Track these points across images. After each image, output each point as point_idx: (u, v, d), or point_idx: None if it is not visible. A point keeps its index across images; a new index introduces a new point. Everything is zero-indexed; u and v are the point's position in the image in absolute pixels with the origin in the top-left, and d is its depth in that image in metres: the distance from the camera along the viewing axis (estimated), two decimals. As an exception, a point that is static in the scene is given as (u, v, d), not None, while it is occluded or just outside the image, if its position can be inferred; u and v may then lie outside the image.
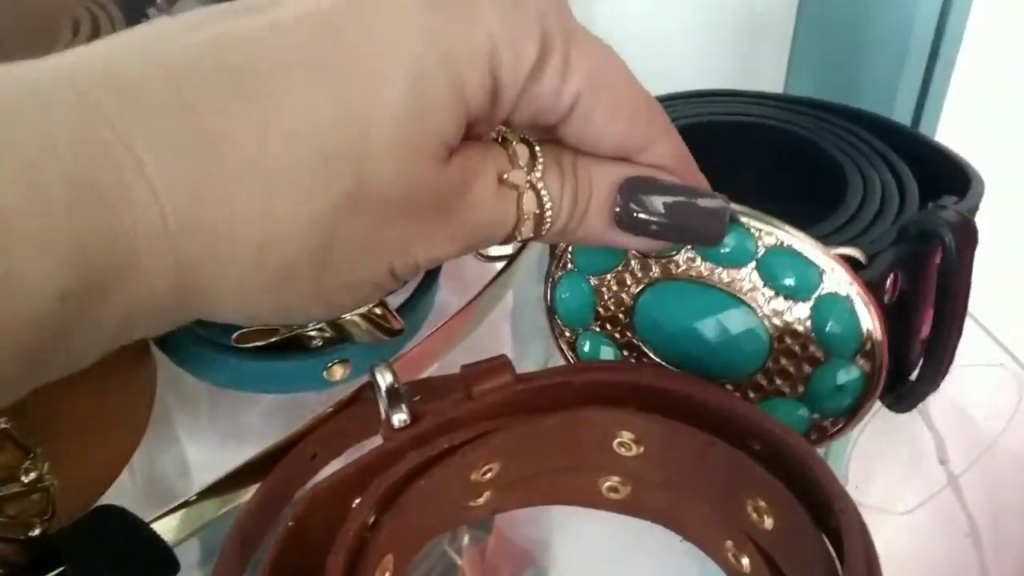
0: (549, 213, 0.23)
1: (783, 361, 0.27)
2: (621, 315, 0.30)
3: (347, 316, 0.33)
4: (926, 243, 0.28)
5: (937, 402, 0.39)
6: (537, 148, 0.23)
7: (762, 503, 0.25)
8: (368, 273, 0.22)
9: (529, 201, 0.23)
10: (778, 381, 0.28)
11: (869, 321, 0.26)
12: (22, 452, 0.27)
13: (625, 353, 0.30)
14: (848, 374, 0.27)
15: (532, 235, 0.24)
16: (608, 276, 0.29)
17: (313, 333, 0.34)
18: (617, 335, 0.30)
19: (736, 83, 0.56)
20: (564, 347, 0.32)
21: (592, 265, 0.30)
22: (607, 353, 0.31)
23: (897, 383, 0.30)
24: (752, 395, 0.28)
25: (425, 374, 0.37)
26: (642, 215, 0.24)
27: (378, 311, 0.33)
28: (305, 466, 0.31)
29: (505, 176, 0.23)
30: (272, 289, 0.21)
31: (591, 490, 0.29)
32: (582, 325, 0.31)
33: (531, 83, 0.22)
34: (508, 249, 0.41)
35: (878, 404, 0.29)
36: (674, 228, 0.24)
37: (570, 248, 0.30)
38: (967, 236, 0.27)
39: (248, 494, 0.30)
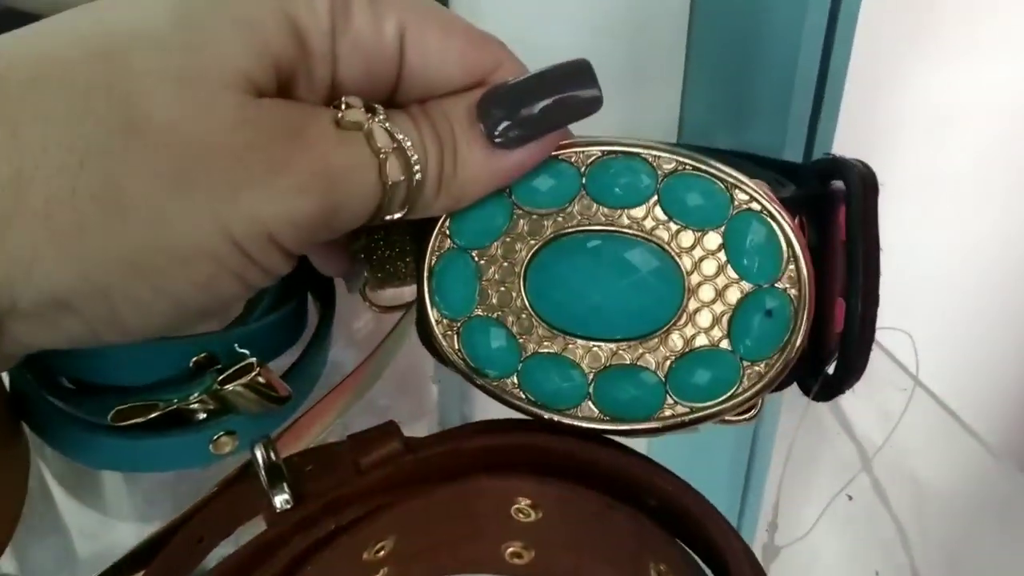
0: (412, 151, 0.22)
1: (701, 302, 0.25)
2: (511, 288, 0.26)
3: (229, 387, 0.31)
4: (829, 184, 0.27)
5: (840, 427, 0.39)
6: (375, 105, 0.22)
7: (663, 566, 0.24)
8: (196, 236, 0.19)
9: (382, 139, 0.22)
10: (700, 327, 0.25)
11: (790, 234, 0.24)
12: None
13: (517, 331, 0.26)
14: (774, 299, 0.24)
15: (404, 180, 0.22)
16: (494, 244, 0.26)
17: (196, 406, 0.32)
18: (509, 313, 0.26)
19: (632, 99, 0.56)
20: (446, 345, 0.26)
21: (475, 235, 0.26)
22: (498, 337, 0.26)
23: (816, 369, 0.28)
24: (675, 351, 0.25)
25: (325, 435, 0.36)
26: (513, 118, 0.23)
27: (261, 379, 0.31)
28: (192, 551, 0.29)
29: (340, 116, 0.21)
30: (59, 240, 0.18)
31: (494, 557, 0.28)
32: (466, 312, 0.26)
33: (341, 22, 0.21)
34: (404, 297, 0.39)
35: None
36: (552, 111, 0.23)
37: (447, 224, 0.26)
38: (870, 181, 0.26)
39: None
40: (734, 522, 0.24)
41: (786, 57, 0.50)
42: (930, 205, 0.66)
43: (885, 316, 0.27)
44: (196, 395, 0.31)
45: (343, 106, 0.22)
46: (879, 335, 0.27)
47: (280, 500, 0.25)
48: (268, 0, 0.20)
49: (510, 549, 0.28)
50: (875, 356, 0.27)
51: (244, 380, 0.31)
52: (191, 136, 0.19)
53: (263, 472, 0.25)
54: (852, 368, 0.27)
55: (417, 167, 0.22)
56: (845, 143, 0.55)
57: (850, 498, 0.33)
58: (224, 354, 0.32)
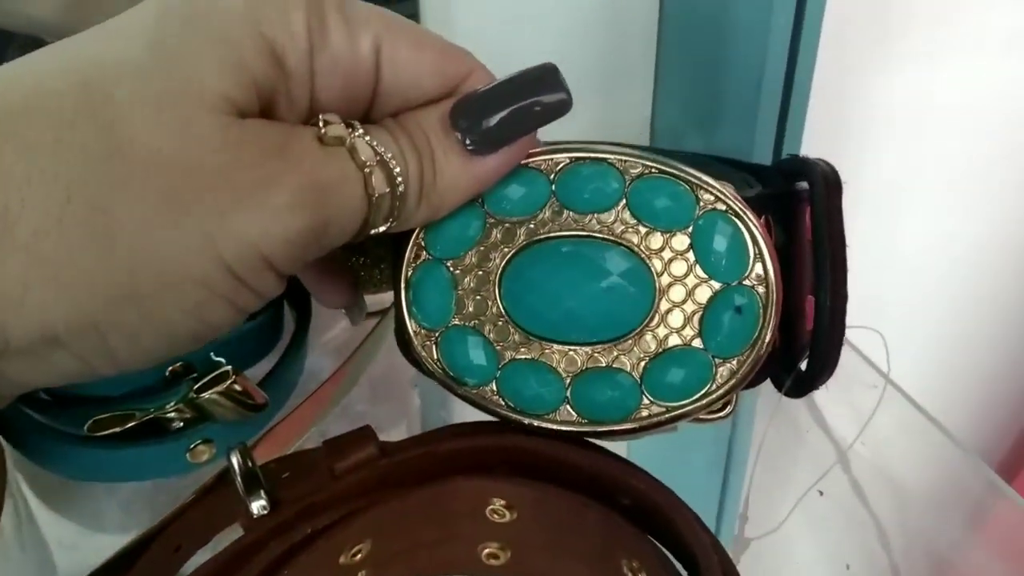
0: (394, 163, 0.22)
1: (672, 302, 0.25)
2: (487, 297, 0.26)
3: (205, 395, 0.31)
4: (794, 181, 0.27)
5: (814, 424, 0.40)
6: (353, 122, 0.23)
7: (635, 563, 0.24)
8: (185, 261, 0.19)
9: (365, 152, 0.22)
10: (672, 327, 0.25)
11: (755, 232, 0.24)
12: None
13: (494, 338, 0.26)
14: (743, 296, 0.25)
15: (388, 192, 0.22)
16: (468, 254, 0.26)
17: (172, 415, 0.32)
18: (485, 321, 0.26)
19: (604, 103, 0.57)
20: (425, 356, 0.27)
21: (449, 245, 0.26)
22: (475, 346, 0.26)
23: (789, 366, 0.28)
24: (649, 351, 0.25)
25: (302, 442, 0.36)
26: (486, 124, 0.23)
27: (237, 387, 0.31)
28: (169, 559, 0.29)
29: (323, 132, 0.22)
30: (47, 272, 0.18)
31: (471, 558, 0.28)
32: (444, 322, 0.26)
33: (318, 40, 0.22)
34: (382, 303, 0.40)
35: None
36: (522, 115, 0.23)
37: (422, 236, 0.26)
38: (833, 179, 0.27)
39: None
40: (712, 521, 0.25)
41: (753, 60, 0.51)
42: (898, 206, 0.67)
43: (856, 316, 0.28)
44: (172, 404, 0.31)
45: (322, 123, 0.22)
46: (851, 334, 0.27)
47: (257, 506, 0.25)
48: (244, 22, 0.21)
49: (486, 550, 0.28)
50: (847, 354, 0.27)
51: (220, 388, 0.31)
52: (175, 160, 0.19)
53: (240, 479, 0.25)
54: (824, 364, 0.27)
55: (400, 179, 0.22)
56: (813, 144, 0.55)
57: (821, 493, 0.34)
58: (200, 362, 0.32)
